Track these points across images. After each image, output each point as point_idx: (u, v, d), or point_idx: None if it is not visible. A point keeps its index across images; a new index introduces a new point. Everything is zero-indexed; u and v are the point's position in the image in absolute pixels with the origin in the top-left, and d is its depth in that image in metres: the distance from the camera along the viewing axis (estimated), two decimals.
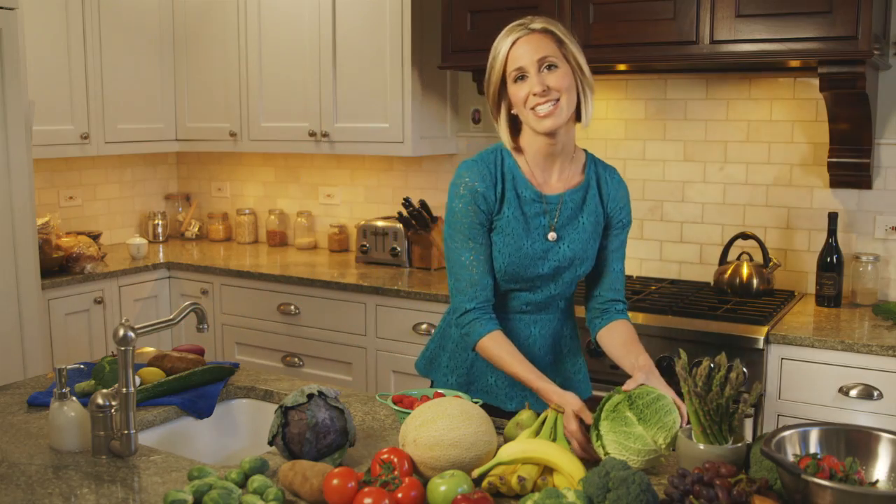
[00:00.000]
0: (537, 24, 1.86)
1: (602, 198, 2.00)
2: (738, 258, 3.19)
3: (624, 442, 1.58)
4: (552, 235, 1.94)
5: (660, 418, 1.60)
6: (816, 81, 2.95)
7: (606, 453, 1.59)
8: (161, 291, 3.97)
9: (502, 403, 2.03)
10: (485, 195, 1.91)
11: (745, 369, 2.67)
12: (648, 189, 3.48)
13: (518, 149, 1.97)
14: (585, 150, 2.04)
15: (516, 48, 1.85)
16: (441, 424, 1.53)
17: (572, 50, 1.86)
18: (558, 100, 1.83)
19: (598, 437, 1.61)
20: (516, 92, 1.86)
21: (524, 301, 2.00)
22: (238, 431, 2.12)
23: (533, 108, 1.84)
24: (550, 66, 1.83)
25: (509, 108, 1.93)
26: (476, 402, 1.79)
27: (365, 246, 3.85)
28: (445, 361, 2.09)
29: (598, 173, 2.01)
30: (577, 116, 1.93)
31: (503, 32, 1.89)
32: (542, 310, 2.02)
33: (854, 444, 1.44)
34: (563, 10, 2.99)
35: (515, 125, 1.96)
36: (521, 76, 1.85)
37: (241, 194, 4.62)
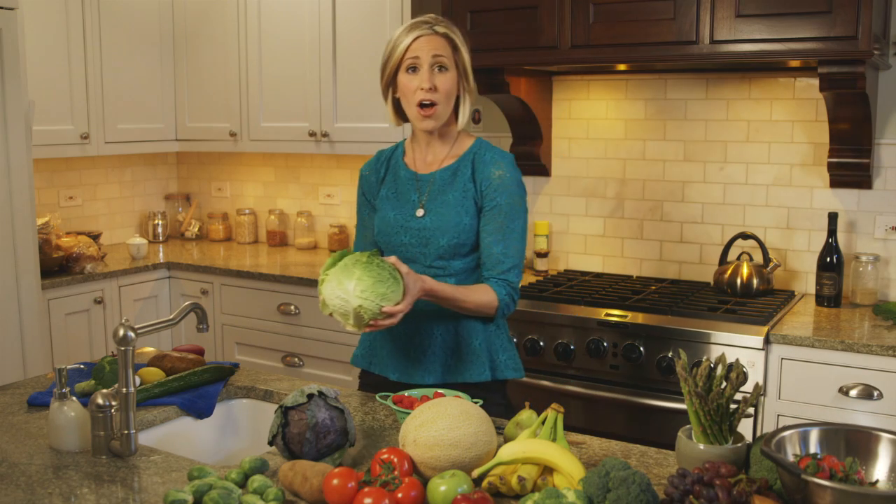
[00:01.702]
0: (440, 27, 2.06)
1: (475, 177, 2.10)
2: (738, 258, 3.19)
3: (342, 278, 1.82)
4: (420, 212, 2.11)
5: (379, 284, 1.79)
6: (816, 81, 2.95)
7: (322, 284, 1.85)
8: (161, 291, 3.97)
9: (389, 373, 2.14)
10: (367, 178, 2.23)
11: (745, 369, 2.66)
12: (648, 189, 3.48)
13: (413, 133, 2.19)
14: (479, 139, 2.17)
15: (417, 42, 2.04)
16: (441, 424, 1.53)
17: (464, 57, 2.08)
18: (437, 104, 2.03)
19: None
20: (407, 82, 2.05)
21: None
22: (238, 431, 2.12)
23: (418, 104, 2.04)
24: (441, 68, 2.04)
25: (394, 93, 2.12)
26: (476, 403, 1.79)
27: None
28: (362, 338, 2.26)
29: (476, 155, 2.12)
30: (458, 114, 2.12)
31: (408, 26, 2.09)
32: None
33: (854, 444, 1.44)
34: (563, 10, 2.98)
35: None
36: (414, 67, 2.04)
37: (241, 194, 4.62)
